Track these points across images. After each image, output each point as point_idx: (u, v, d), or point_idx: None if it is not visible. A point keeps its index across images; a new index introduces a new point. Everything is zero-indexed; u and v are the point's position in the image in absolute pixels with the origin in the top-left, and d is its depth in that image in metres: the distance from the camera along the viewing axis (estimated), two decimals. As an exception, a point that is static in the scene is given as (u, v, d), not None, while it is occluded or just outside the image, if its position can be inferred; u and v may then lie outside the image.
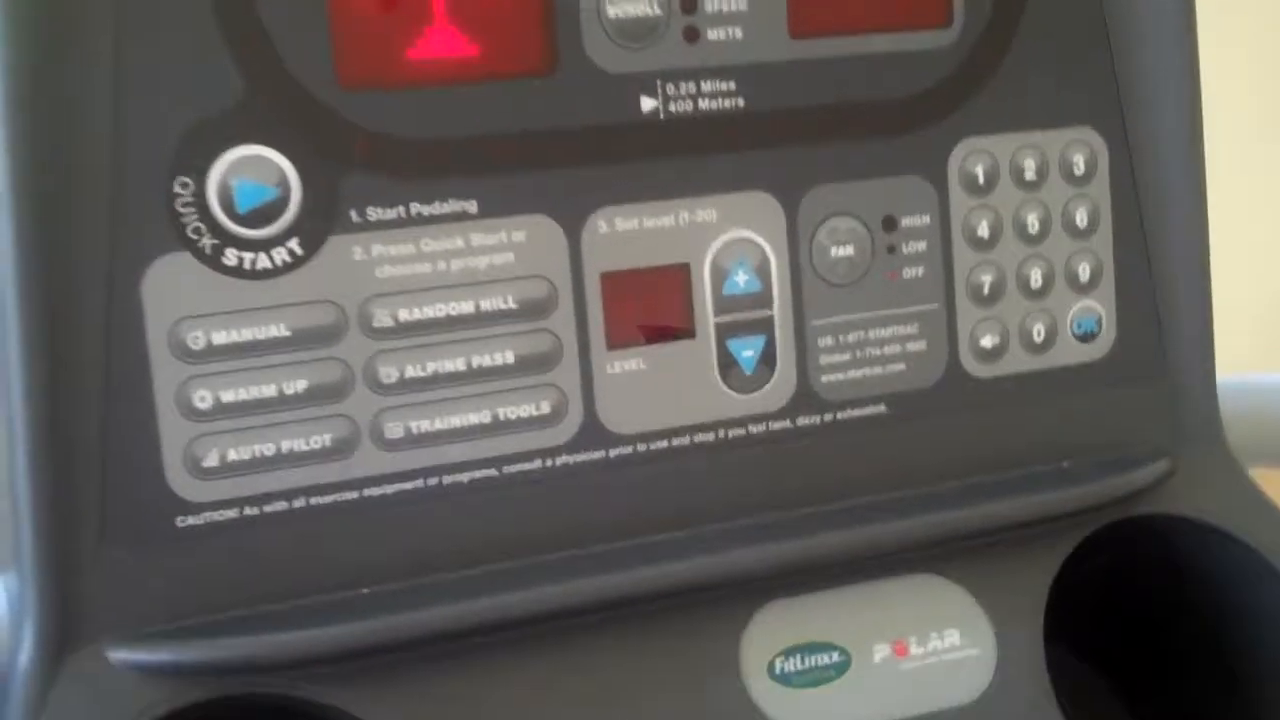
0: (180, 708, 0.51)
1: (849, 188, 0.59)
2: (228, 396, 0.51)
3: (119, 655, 0.50)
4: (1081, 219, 0.63)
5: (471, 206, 0.54)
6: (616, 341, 0.57)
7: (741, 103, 0.58)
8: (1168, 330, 0.65)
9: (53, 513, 0.50)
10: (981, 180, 0.61)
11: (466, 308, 0.54)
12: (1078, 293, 0.64)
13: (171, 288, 0.50)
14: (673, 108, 0.57)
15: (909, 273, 0.61)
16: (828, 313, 0.60)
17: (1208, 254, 0.65)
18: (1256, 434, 0.71)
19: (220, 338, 0.51)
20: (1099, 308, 0.64)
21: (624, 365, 0.57)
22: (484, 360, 0.55)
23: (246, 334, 0.51)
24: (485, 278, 0.55)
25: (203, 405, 0.51)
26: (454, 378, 0.54)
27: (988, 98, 0.61)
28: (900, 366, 0.61)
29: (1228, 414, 0.68)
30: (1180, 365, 0.66)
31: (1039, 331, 0.63)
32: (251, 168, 0.51)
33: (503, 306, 0.55)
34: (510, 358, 0.55)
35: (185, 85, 0.50)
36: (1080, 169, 0.63)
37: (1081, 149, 0.63)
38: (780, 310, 0.59)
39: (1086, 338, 0.64)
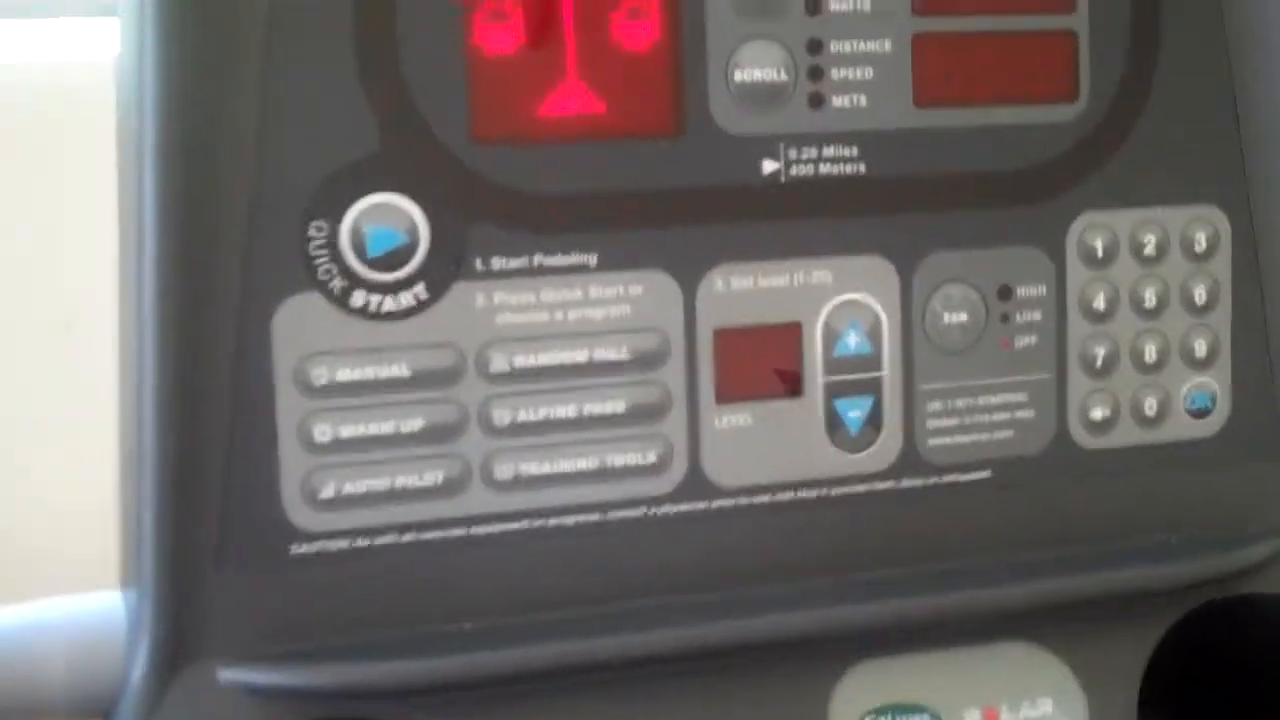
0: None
1: (965, 256, 0.60)
2: (347, 432, 0.54)
3: (228, 675, 0.53)
4: (1200, 296, 0.63)
5: (591, 260, 0.56)
6: (725, 396, 0.58)
7: (863, 168, 0.59)
8: (1283, 409, 0.65)
9: (173, 534, 0.52)
10: (1100, 254, 0.62)
11: (581, 357, 0.56)
12: (1193, 369, 0.64)
13: (300, 325, 0.53)
14: (794, 171, 0.58)
15: (1022, 341, 0.61)
16: (937, 378, 0.60)
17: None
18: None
19: (343, 375, 0.53)
20: (1214, 384, 0.64)
21: (731, 420, 0.58)
22: (595, 408, 0.56)
23: (369, 373, 0.54)
24: (601, 328, 0.56)
25: (323, 439, 0.54)
26: (565, 424, 0.56)
27: (1110, 173, 0.61)
28: (1008, 433, 0.61)
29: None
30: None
31: (1151, 405, 0.63)
32: (384, 214, 0.53)
33: (616, 357, 0.56)
34: (620, 407, 0.57)
35: (326, 132, 0.52)
36: (1202, 246, 0.63)
37: (1204, 227, 0.63)
38: (890, 373, 0.60)
39: (1200, 414, 0.64)
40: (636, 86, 0.56)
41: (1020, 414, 0.62)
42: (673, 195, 0.57)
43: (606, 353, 0.56)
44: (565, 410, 0.56)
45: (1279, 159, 0.63)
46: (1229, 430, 0.64)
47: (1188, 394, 0.64)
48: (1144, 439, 0.63)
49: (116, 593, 0.57)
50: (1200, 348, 0.63)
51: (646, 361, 0.57)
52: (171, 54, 0.50)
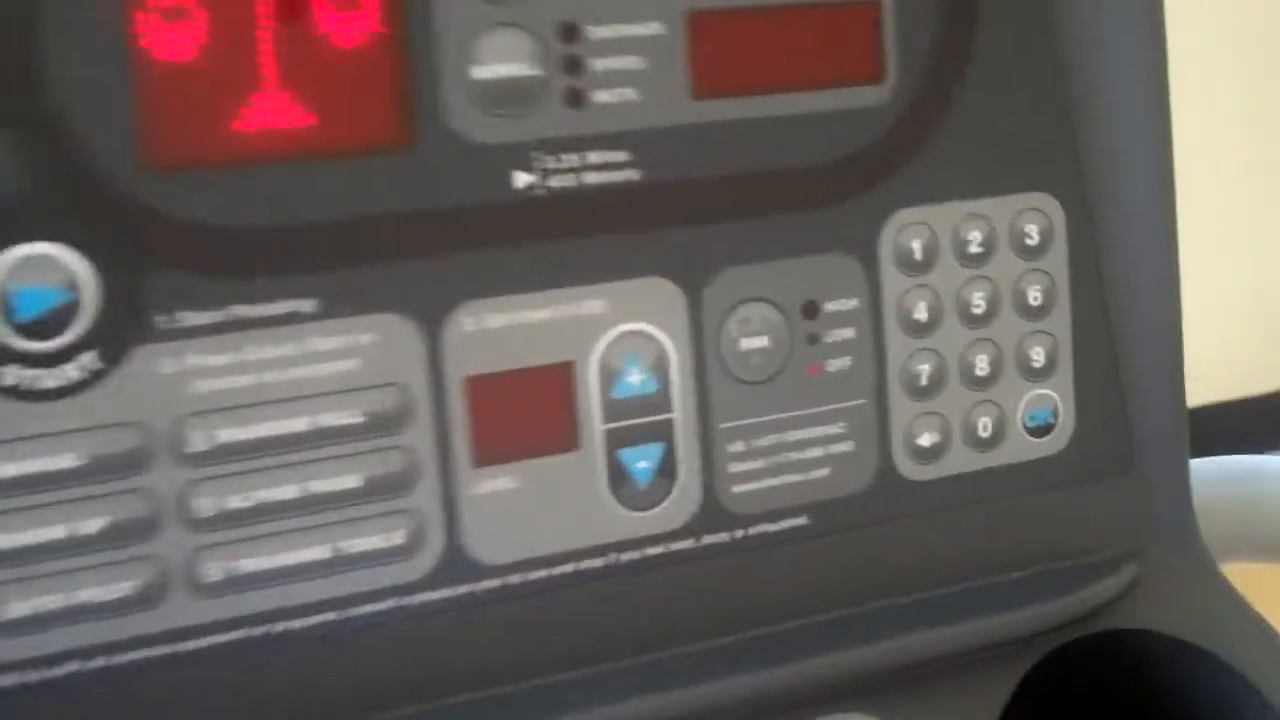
0: None
1: (763, 270, 0.51)
2: (4, 543, 0.43)
3: None
4: (1035, 297, 0.55)
5: (307, 306, 0.46)
6: (485, 457, 0.48)
7: (635, 175, 0.49)
8: (1135, 419, 0.57)
9: None
10: (919, 256, 0.53)
11: (301, 425, 0.46)
12: (1030, 380, 0.55)
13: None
14: (552, 183, 0.48)
15: (834, 365, 0.53)
16: (738, 414, 0.51)
17: (1180, 331, 0.57)
18: (1232, 526, 0.62)
19: (-4, 471, 0.43)
20: (1055, 396, 0.56)
21: (494, 484, 0.48)
22: (324, 485, 0.47)
23: (27, 467, 0.43)
24: (325, 388, 0.46)
25: (-23, 550, 0.43)
26: (287, 507, 0.46)
27: (925, 163, 0.53)
28: (824, 471, 0.53)
29: (1199, 503, 0.60)
30: (1149, 459, 0.57)
31: (985, 425, 0.55)
32: (34, 269, 0.43)
33: (346, 421, 0.46)
34: (356, 481, 0.47)
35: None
36: (1034, 240, 0.55)
37: (1035, 218, 0.55)
38: (682, 414, 0.51)
39: (1041, 431, 0.56)
40: (352, 91, 0.46)
41: (837, 448, 0.53)
42: (405, 221, 0.47)
43: (334, 417, 0.46)
44: (286, 491, 0.46)
45: (1117, 136, 0.55)
46: (1074, 446, 0.56)
47: (1026, 409, 0.56)
48: (980, 464, 0.55)
49: None
50: (1038, 356, 0.55)
51: (385, 423, 0.47)
52: None
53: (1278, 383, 2.11)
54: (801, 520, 0.53)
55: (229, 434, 0.45)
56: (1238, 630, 0.58)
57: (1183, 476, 0.58)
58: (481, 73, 0.47)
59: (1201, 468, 0.61)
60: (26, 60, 0.42)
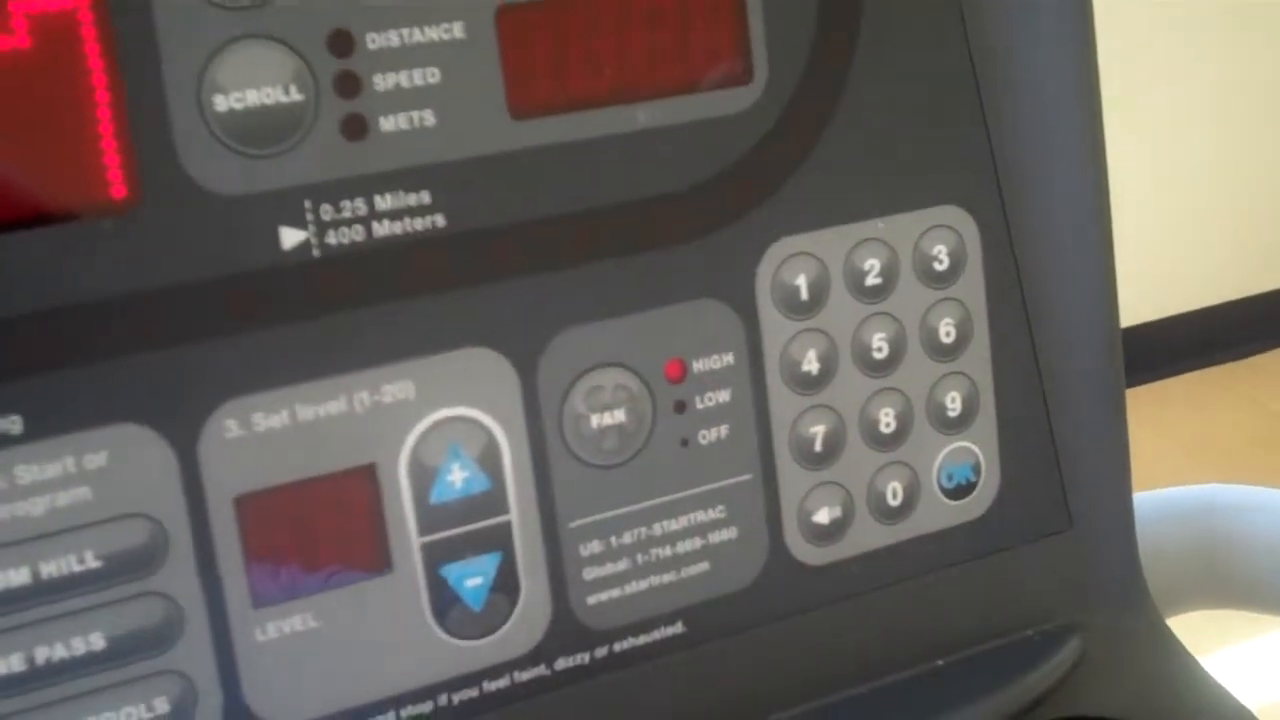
0: None
1: (611, 328, 0.41)
2: None
3: None
4: (947, 332, 0.45)
5: (14, 426, 0.34)
6: (268, 594, 0.38)
7: (439, 221, 0.38)
8: (1069, 469, 0.47)
9: None
10: (805, 295, 0.43)
11: (19, 578, 0.35)
12: (946, 432, 0.46)
13: None
14: (332, 239, 0.37)
15: (707, 436, 0.42)
16: (592, 508, 0.41)
17: (1120, 360, 0.48)
18: (1184, 573, 0.54)
19: None
20: (975, 449, 0.46)
21: (282, 627, 0.38)
22: (58, 652, 0.36)
23: None
24: (47, 528, 0.35)
25: None
26: (14, 683, 0.35)
27: (807, 179, 0.43)
28: (703, 567, 0.43)
29: (1145, 549, 0.51)
30: (1087, 513, 0.48)
31: (895, 491, 0.45)
32: None
33: (80, 568, 0.36)
34: (101, 641, 0.36)
35: None
36: (943, 264, 0.45)
37: (943, 237, 0.45)
38: (520, 514, 0.40)
39: (960, 491, 0.46)
40: (57, 145, 0.34)
41: (718, 536, 0.43)
42: (137, 303, 0.35)
43: (62, 564, 0.35)
44: (11, 663, 0.35)
45: (1036, 131, 0.45)
46: (1000, 506, 0.47)
47: (942, 467, 0.46)
48: (891, 538, 0.46)
49: None
50: (953, 403, 0.46)
51: (132, 565, 0.36)
52: None
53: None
54: (677, 628, 0.43)
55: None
56: (1196, 703, 0.49)
57: (1127, 529, 0.49)
58: (228, 103, 0.36)
59: (1145, 506, 0.52)
60: None
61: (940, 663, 0.47)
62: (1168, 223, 2.03)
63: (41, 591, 0.36)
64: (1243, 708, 0.49)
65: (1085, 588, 0.49)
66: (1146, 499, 0.54)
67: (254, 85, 0.36)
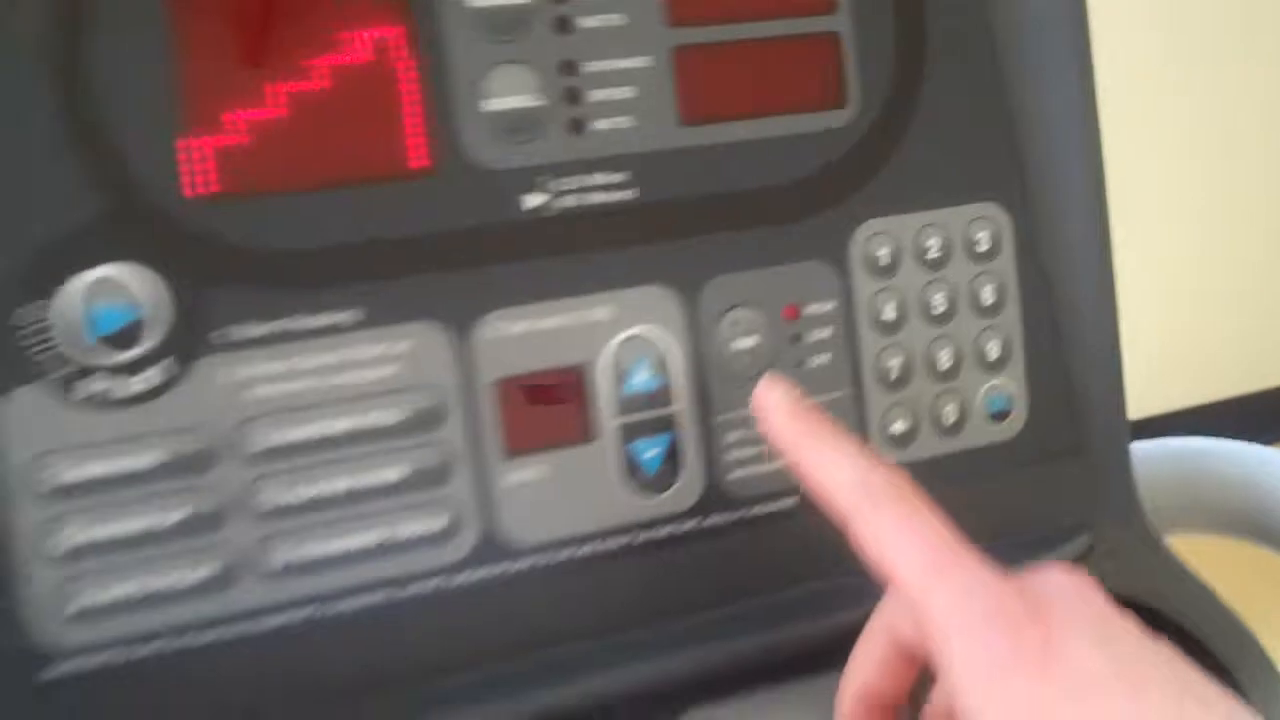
0: None
1: (749, 277, 0.57)
2: (97, 535, 0.48)
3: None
4: (987, 296, 0.61)
5: (348, 318, 0.51)
6: (514, 449, 0.54)
7: (633, 194, 0.55)
8: (1081, 404, 0.63)
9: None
10: (885, 262, 0.59)
11: (349, 425, 0.51)
12: (987, 372, 0.62)
13: (27, 422, 0.47)
14: (559, 203, 0.54)
15: (814, 361, 0.58)
16: (734, 407, 0.57)
17: (1117, 324, 0.64)
18: (1174, 500, 0.69)
19: (82, 473, 0.48)
20: (1010, 385, 0.62)
21: (522, 474, 0.54)
22: (372, 479, 0.52)
23: (111, 468, 0.48)
24: (369, 391, 0.51)
25: (65, 547, 0.47)
26: (340, 499, 0.51)
27: (887, 178, 0.59)
28: (811, 458, 0.58)
29: (1145, 481, 0.66)
30: (1095, 439, 0.64)
31: (950, 414, 0.61)
32: (107, 290, 0.48)
33: (389, 421, 0.52)
34: (400, 474, 0.52)
35: (29, 202, 0.46)
36: (985, 246, 0.61)
37: (985, 225, 0.61)
38: (684, 408, 0.56)
39: (999, 417, 0.62)
40: (381, 124, 0.51)
41: (822, 435, 0.58)
42: (432, 240, 0.52)
43: (378, 417, 0.52)
44: (339, 484, 0.51)
45: (1054, 150, 0.62)
46: (1028, 431, 0.63)
47: (984, 398, 0.62)
48: (946, 449, 0.61)
49: None
50: (993, 350, 0.62)
51: (424, 422, 0.52)
52: None
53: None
54: (793, 501, 0.58)
55: (285, 435, 0.50)
56: (1182, 591, 0.64)
57: (1125, 456, 0.64)
58: (492, 105, 0.53)
59: (1146, 449, 0.68)
60: (90, 96, 0.47)
61: (982, 546, 0.62)
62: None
63: (365, 437, 0.52)
64: (1211, 593, 0.64)
65: (1092, 500, 0.64)
66: (1146, 444, 0.69)
67: (511, 94, 0.53)
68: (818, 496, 0.45)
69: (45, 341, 0.47)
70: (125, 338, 0.48)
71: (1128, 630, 0.40)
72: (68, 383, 0.47)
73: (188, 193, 0.48)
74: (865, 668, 0.47)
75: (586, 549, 0.55)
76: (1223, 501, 0.70)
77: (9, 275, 0.46)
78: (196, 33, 0.48)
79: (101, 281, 0.47)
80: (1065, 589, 0.42)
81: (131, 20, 0.48)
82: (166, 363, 0.48)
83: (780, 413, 0.48)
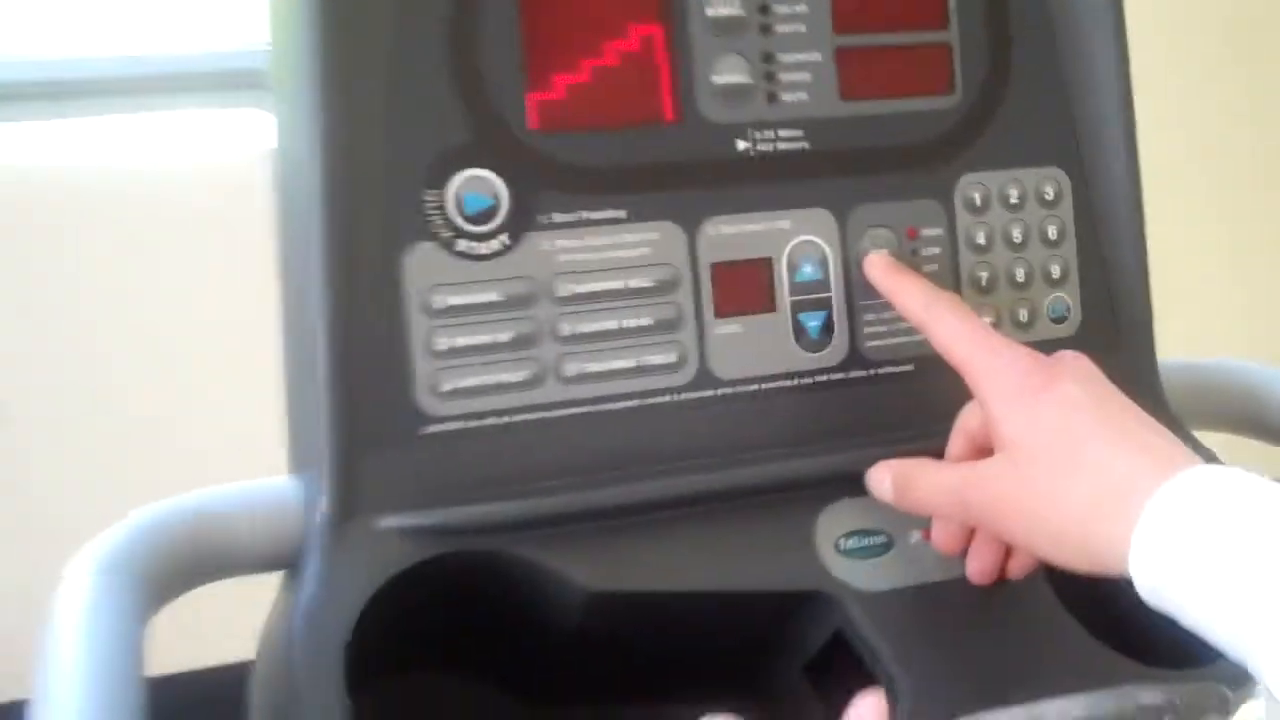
0: (424, 560, 0.73)
1: (884, 207, 0.83)
2: (459, 342, 0.74)
3: (383, 523, 0.72)
4: (1053, 234, 0.87)
5: (621, 214, 0.78)
6: (722, 313, 0.80)
7: (807, 146, 0.82)
8: (1119, 315, 0.88)
9: (340, 424, 0.72)
10: (978, 203, 0.85)
11: (618, 284, 0.78)
12: (1051, 287, 0.87)
13: (422, 265, 0.74)
14: (759, 148, 0.81)
15: (927, 269, 0.84)
16: (870, 297, 0.83)
17: (1146, 259, 0.89)
18: (1190, 403, 0.93)
19: (454, 301, 0.74)
20: (1068, 298, 0.87)
21: (727, 330, 0.80)
22: (630, 322, 0.78)
23: (471, 298, 0.75)
24: (631, 264, 0.78)
25: (441, 348, 0.74)
26: (609, 334, 0.77)
27: (982, 145, 0.85)
28: (922, 337, 0.84)
29: (1177, 386, 0.90)
30: (1128, 341, 0.89)
31: (1023, 314, 0.86)
32: (475, 184, 0.75)
33: (642, 284, 0.78)
34: (649, 321, 0.78)
35: (434, 124, 0.74)
36: (1050, 197, 0.87)
37: (1051, 182, 0.87)
38: (836, 294, 0.82)
39: (1059, 320, 0.87)
40: (647, 89, 0.79)
41: (931, 322, 0.84)
42: (676, 167, 0.79)
43: (636, 281, 0.78)
44: (609, 324, 0.77)
45: (1101, 127, 0.87)
46: (1081, 332, 0.88)
47: (1049, 305, 0.87)
48: (1020, 338, 0.86)
49: (286, 478, 0.76)
50: (1055, 271, 0.87)
51: (664, 288, 0.78)
52: (334, 113, 0.72)
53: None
54: (909, 367, 0.84)
55: (578, 288, 0.77)
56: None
57: (1152, 354, 0.89)
58: (718, 80, 0.80)
59: (1180, 366, 0.92)
60: (475, 73, 0.75)
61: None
62: None
63: (627, 294, 0.78)
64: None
65: (1127, 386, 0.89)
66: (1179, 362, 0.93)
67: (730, 74, 0.80)
68: (906, 316, 0.72)
69: (439, 212, 0.74)
70: (484, 216, 0.75)
71: (1107, 384, 0.66)
72: (449, 242, 0.74)
73: (530, 126, 0.76)
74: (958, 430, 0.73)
75: (767, 385, 0.81)
76: (1230, 403, 0.95)
77: (420, 168, 0.73)
78: (539, 23, 0.76)
79: (471, 178, 0.75)
80: (1069, 358, 0.68)
81: (501, 11, 0.75)
82: (506, 235, 0.75)
83: (880, 266, 0.74)
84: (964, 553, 0.78)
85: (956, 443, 0.76)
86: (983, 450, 0.74)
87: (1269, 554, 0.59)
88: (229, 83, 1.91)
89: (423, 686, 0.81)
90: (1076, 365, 0.71)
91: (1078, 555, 0.66)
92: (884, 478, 0.76)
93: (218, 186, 1.68)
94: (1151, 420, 0.68)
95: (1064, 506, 0.66)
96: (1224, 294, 2.22)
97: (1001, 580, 0.78)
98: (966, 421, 0.75)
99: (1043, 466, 0.68)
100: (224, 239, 1.51)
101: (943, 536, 0.77)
